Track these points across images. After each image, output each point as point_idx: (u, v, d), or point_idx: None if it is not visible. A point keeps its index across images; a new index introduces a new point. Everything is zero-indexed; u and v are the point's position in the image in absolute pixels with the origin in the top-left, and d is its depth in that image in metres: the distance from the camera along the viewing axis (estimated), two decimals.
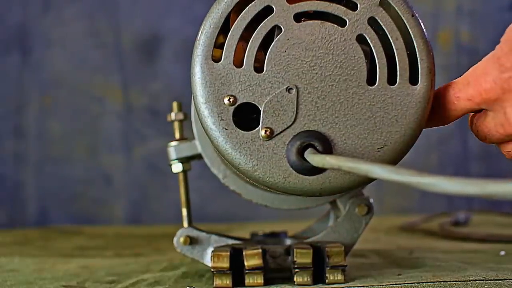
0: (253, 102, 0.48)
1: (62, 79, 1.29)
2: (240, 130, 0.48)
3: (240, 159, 0.48)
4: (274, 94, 0.47)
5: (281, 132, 0.48)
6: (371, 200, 0.59)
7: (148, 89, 1.32)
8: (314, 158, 0.46)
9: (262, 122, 0.48)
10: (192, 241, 0.60)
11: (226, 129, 0.48)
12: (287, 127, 0.48)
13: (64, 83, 1.30)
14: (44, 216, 1.29)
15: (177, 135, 0.62)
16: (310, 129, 0.48)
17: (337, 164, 0.43)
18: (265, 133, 0.47)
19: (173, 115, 0.62)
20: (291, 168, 0.48)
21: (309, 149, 0.47)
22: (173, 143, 0.62)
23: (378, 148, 0.48)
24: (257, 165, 0.48)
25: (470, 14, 1.37)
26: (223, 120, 0.48)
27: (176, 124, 0.62)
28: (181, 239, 0.60)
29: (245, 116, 0.48)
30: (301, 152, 0.47)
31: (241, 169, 0.48)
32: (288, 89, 0.47)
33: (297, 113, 0.47)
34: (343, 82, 0.48)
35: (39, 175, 1.30)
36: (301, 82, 0.47)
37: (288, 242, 0.63)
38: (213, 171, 0.62)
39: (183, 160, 0.61)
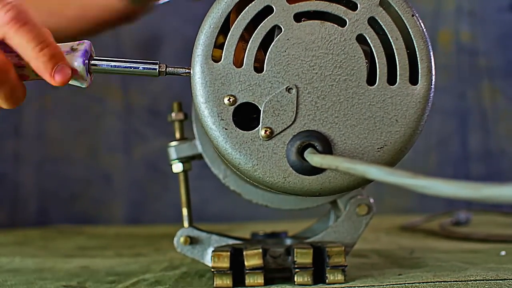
0: (253, 102, 0.48)
1: None
2: (240, 130, 0.48)
3: (240, 158, 0.48)
4: (274, 94, 0.47)
5: (281, 132, 0.48)
6: (371, 200, 0.59)
7: (148, 89, 1.32)
8: (313, 158, 0.46)
9: (262, 122, 0.48)
10: (192, 241, 0.60)
11: (226, 129, 0.48)
12: (287, 127, 0.48)
13: None
14: (44, 216, 1.28)
15: (178, 135, 0.62)
16: (310, 129, 0.47)
17: (334, 165, 0.43)
18: (265, 133, 0.47)
19: (173, 115, 0.62)
20: (291, 168, 0.48)
21: (309, 149, 0.47)
22: (174, 143, 0.62)
23: (378, 148, 0.48)
24: (257, 165, 0.48)
25: (470, 14, 1.37)
26: (223, 120, 0.48)
27: (176, 124, 0.62)
28: (181, 239, 0.60)
29: (245, 116, 0.48)
30: (301, 152, 0.47)
31: (241, 169, 0.48)
32: (288, 89, 0.47)
33: (297, 113, 0.47)
34: (343, 82, 0.47)
35: (39, 175, 1.30)
36: (301, 82, 0.47)
37: (289, 242, 0.63)
38: (214, 171, 0.62)
39: (184, 160, 0.61)
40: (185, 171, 0.62)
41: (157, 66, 0.51)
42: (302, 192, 0.48)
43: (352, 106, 0.48)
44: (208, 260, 0.60)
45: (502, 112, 1.38)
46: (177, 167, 0.62)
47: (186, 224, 0.61)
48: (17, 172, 1.29)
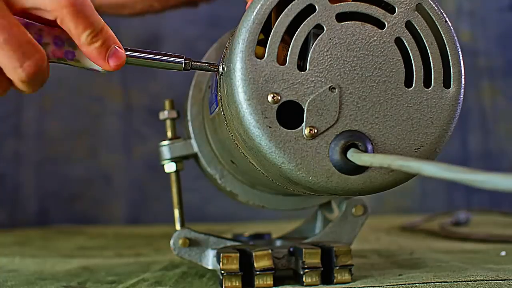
0: (297, 101, 0.47)
1: (62, 79, 1.29)
2: (284, 129, 0.47)
3: (283, 157, 0.47)
4: (317, 93, 0.47)
5: (324, 131, 0.47)
6: (366, 201, 0.60)
7: (148, 89, 1.32)
8: (361, 157, 0.45)
9: (306, 121, 0.47)
10: (190, 243, 0.60)
11: (270, 127, 0.46)
12: (330, 127, 0.47)
13: (64, 83, 1.30)
14: (44, 216, 1.28)
15: (170, 134, 0.61)
16: (352, 128, 0.47)
17: (386, 163, 0.42)
18: (309, 132, 0.46)
19: (166, 113, 0.61)
20: (333, 168, 0.47)
21: (352, 148, 0.47)
22: (166, 142, 0.61)
23: (415, 149, 0.48)
24: (300, 164, 0.47)
25: (470, 14, 1.37)
26: (267, 118, 0.46)
27: (168, 123, 0.62)
28: (180, 241, 0.59)
29: (281, 115, 0.47)
30: (344, 151, 0.47)
31: (283, 168, 0.47)
32: (331, 88, 0.47)
33: (339, 112, 0.47)
34: (383, 83, 0.47)
35: (39, 175, 1.29)
36: (343, 82, 0.47)
37: (278, 243, 0.63)
38: (210, 172, 0.61)
39: (177, 160, 0.61)
40: (177, 171, 0.61)
41: (182, 60, 0.50)
42: (343, 192, 0.48)
43: (391, 107, 0.47)
44: (206, 262, 0.59)
45: (502, 112, 1.38)
46: (170, 167, 0.61)
47: (178, 226, 0.60)
48: (17, 172, 1.29)
